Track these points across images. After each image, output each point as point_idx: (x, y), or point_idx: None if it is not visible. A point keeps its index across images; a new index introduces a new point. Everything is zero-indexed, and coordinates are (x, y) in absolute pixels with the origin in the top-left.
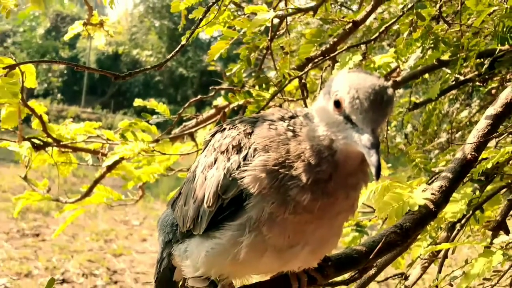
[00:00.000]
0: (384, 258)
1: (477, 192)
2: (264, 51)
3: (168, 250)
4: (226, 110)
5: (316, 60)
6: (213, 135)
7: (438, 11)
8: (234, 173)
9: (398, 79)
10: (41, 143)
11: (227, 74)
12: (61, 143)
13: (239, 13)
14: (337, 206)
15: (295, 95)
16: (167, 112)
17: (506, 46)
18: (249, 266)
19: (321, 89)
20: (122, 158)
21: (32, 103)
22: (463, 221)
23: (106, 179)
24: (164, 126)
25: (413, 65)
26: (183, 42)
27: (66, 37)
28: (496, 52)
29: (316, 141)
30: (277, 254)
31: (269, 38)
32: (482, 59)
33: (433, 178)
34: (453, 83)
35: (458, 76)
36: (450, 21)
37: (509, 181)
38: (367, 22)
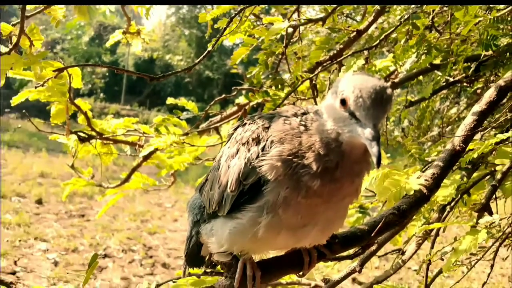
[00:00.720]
0: (384, 236)
1: (465, 179)
2: (280, 56)
3: (196, 229)
4: (246, 107)
5: (324, 64)
6: (235, 129)
7: (430, 21)
8: (253, 162)
9: (396, 80)
10: (86, 136)
11: (248, 76)
12: (104, 136)
13: (258, 23)
14: (343, 190)
15: (306, 95)
16: (196, 109)
17: (490, 52)
18: (267, 243)
19: (329, 89)
20: (156, 149)
21: (78, 101)
22: (452, 204)
23: (143, 167)
24: (193, 121)
25: (409, 68)
26: (209, 48)
27: (108, 44)
28: (481, 57)
29: (325, 134)
30: (291, 233)
31: (284, 45)
32: (469, 63)
33: (426, 166)
34: (444, 84)
35: (448, 78)
36: (441, 30)
37: (492, 169)
38: (369, 31)
